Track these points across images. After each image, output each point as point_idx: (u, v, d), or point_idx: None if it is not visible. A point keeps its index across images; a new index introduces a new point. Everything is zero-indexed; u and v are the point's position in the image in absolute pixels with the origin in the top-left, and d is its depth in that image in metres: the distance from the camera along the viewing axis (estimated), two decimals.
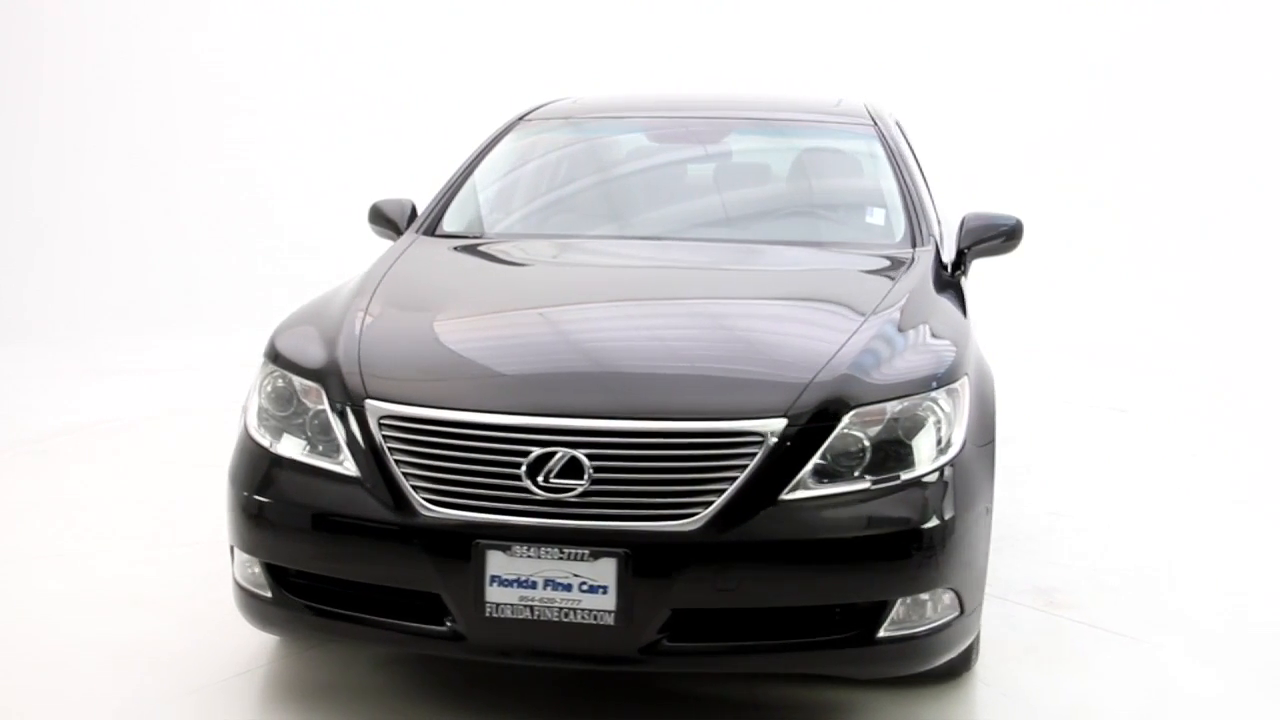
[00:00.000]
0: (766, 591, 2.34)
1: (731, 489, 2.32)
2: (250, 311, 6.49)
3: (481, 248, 3.54)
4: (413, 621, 2.43)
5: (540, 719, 2.75)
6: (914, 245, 3.35)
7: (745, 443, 2.34)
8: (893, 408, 2.45)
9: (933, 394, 2.50)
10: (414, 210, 3.75)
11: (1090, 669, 3.04)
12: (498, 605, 2.32)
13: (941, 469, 2.44)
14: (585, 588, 2.29)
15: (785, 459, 2.34)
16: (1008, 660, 3.05)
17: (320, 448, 2.54)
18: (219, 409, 4.91)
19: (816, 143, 4.06)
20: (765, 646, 2.37)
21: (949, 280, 3.25)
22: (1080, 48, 9.47)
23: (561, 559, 2.30)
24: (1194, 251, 8.58)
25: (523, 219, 3.83)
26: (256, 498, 2.57)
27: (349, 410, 2.51)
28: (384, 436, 2.44)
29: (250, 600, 2.64)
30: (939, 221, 3.78)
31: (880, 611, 2.38)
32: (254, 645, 3.01)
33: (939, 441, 2.48)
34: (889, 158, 3.74)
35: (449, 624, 2.38)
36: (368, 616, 2.48)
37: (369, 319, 2.79)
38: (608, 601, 2.29)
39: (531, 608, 2.31)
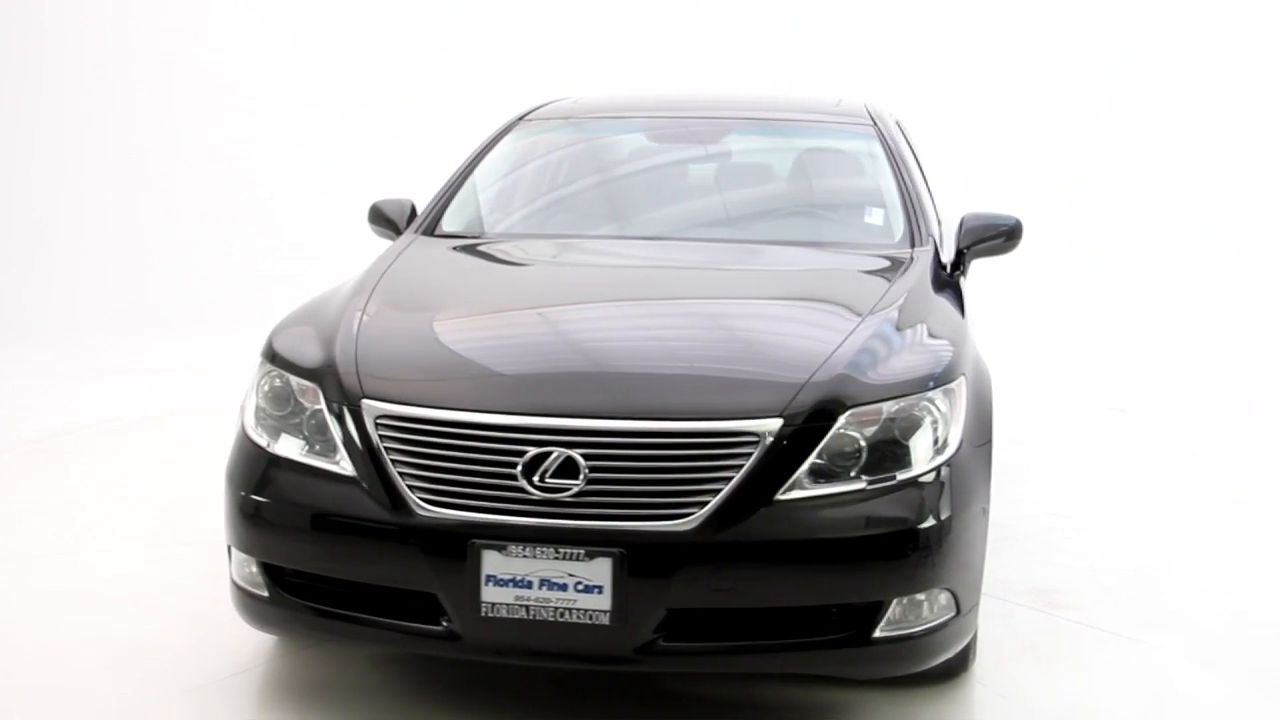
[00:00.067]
0: (762, 591, 2.34)
1: (727, 489, 2.32)
2: (250, 311, 6.48)
3: (480, 248, 3.54)
4: (409, 621, 2.43)
5: (538, 718, 2.75)
6: (913, 245, 3.35)
7: (741, 443, 2.35)
8: (889, 408, 2.45)
9: (929, 394, 2.50)
10: (413, 210, 3.75)
11: (1088, 669, 3.03)
12: (493, 605, 2.32)
13: (938, 469, 2.44)
14: (581, 587, 2.29)
15: (781, 459, 2.34)
16: (1005, 661, 3.05)
17: (317, 447, 2.54)
18: (219, 409, 4.91)
19: (816, 143, 4.06)
20: (761, 646, 2.37)
21: (947, 280, 3.25)
22: (1080, 48, 9.47)
23: (557, 559, 2.30)
24: (1194, 251, 8.57)
25: (522, 219, 3.84)
26: (253, 497, 2.57)
27: (345, 410, 2.51)
28: (380, 436, 2.45)
29: (247, 600, 2.64)
30: (939, 222, 3.78)
31: (876, 612, 2.38)
32: (252, 644, 3.02)
33: (935, 441, 2.48)
34: (888, 158, 3.74)
35: (445, 624, 2.39)
36: (364, 616, 2.48)
37: (366, 319, 2.80)
38: (603, 601, 2.29)
39: (527, 607, 2.32)
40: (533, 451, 2.34)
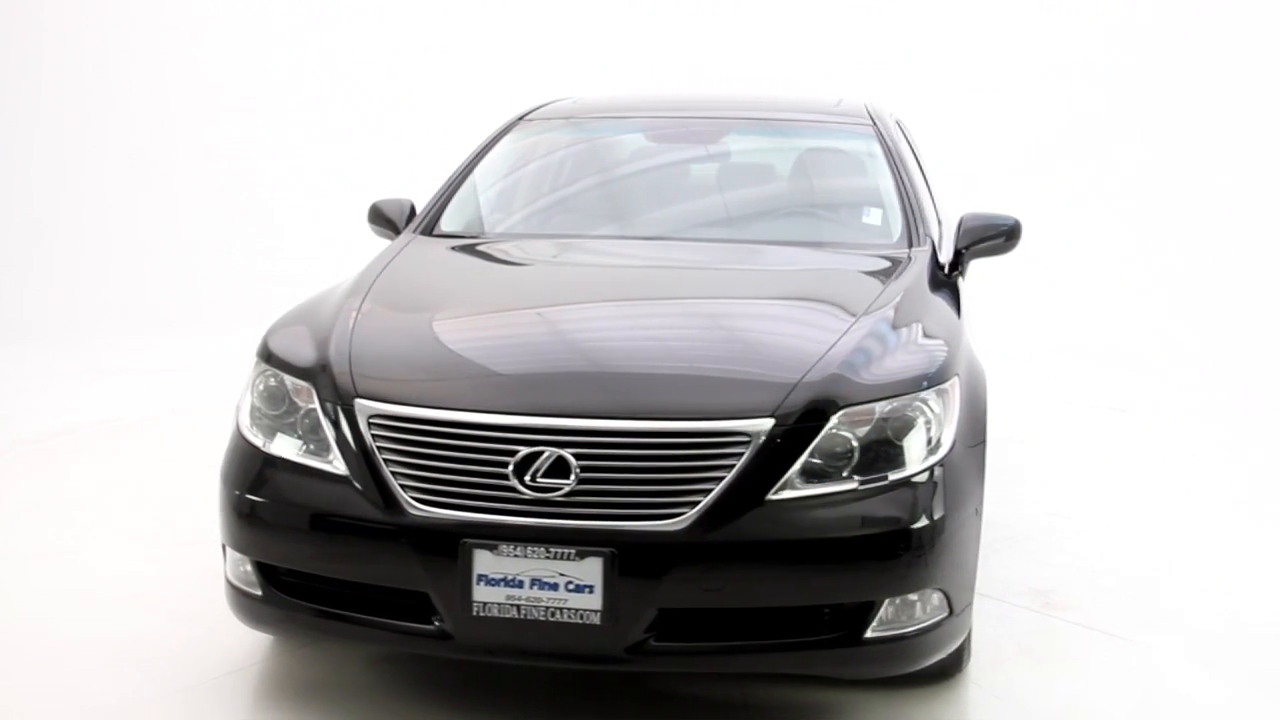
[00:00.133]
0: (753, 591, 2.34)
1: (718, 489, 2.32)
2: (250, 311, 6.48)
3: (477, 247, 3.54)
4: (401, 620, 2.43)
5: (533, 718, 2.75)
6: (910, 245, 3.34)
7: (732, 443, 2.34)
8: (881, 408, 2.44)
9: (922, 394, 2.50)
10: (413, 210, 3.75)
11: (1085, 670, 3.02)
12: (485, 604, 2.32)
13: (931, 469, 2.44)
14: (572, 587, 2.29)
15: (773, 459, 2.34)
16: (1001, 661, 3.04)
17: (311, 447, 2.55)
18: (219, 409, 4.90)
19: (815, 143, 4.05)
20: (752, 646, 2.37)
21: (944, 280, 3.25)
22: (1080, 48, 9.46)
23: (548, 558, 2.30)
24: (1194, 251, 8.56)
25: (520, 219, 3.84)
26: (247, 496, 2.58)
27: (339, 409, 2.51)
28: (373, 436, 2.45)
29: (241, 599, 2.64)
30: (939, 222, 3.77)
31: (868, 612, 2.37)
32: (248, 643, 3.02)
33: (929, 442, 2.47)
34: (887, 158, 3.74)
35: (437, 623, 2.39)
36: (357, 615, 2.48)
37: (361, 318, 2.80)
38: (594, 601, 2.29)
39: (518, 607, 2.32)
40: (524, 451, 2.34)
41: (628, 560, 2.29)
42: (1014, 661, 3.06)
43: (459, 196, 3.77)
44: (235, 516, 2.60)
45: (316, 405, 2.56)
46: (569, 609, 2.30)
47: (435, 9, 10.02)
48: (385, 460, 2.42)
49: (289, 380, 2.65)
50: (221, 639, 3.04)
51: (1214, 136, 9.07)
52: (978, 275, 4.25)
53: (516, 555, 2.31)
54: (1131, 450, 5.15)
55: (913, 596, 2.41)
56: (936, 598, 2.45)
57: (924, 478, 2.43)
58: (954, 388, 2.59)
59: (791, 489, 2.34)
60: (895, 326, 2.73)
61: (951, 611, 2.50)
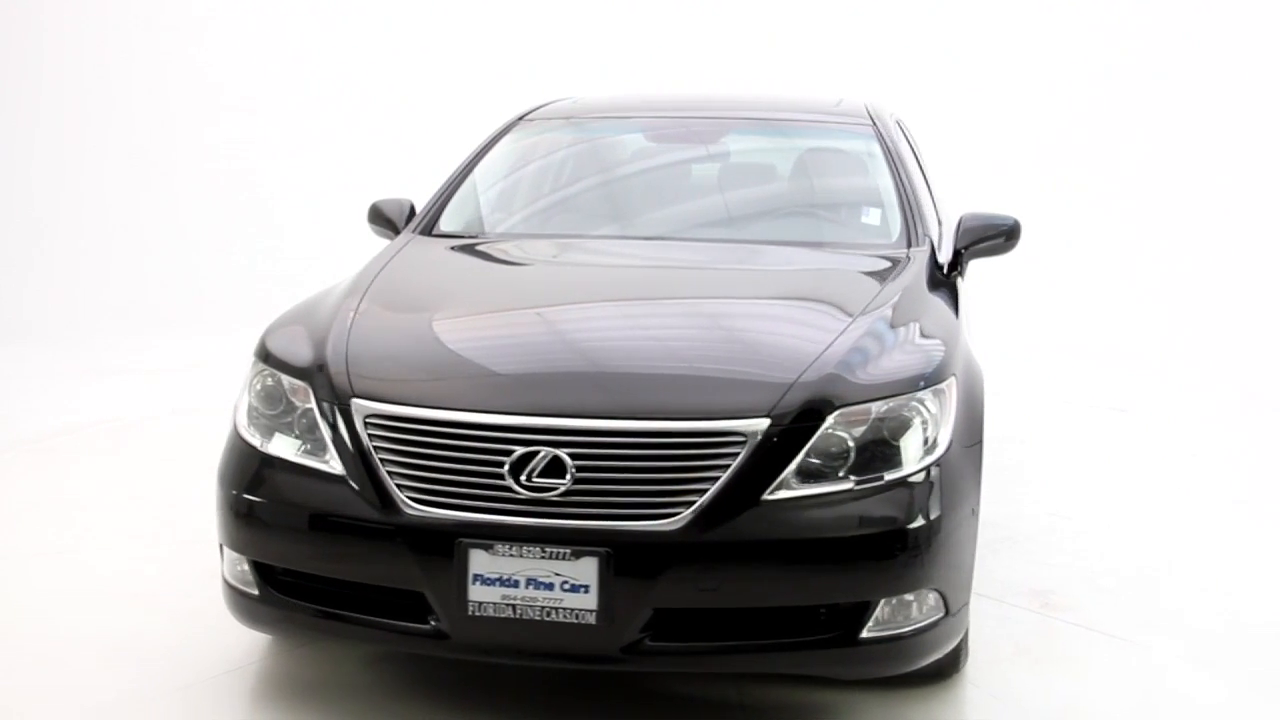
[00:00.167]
0: (748, 591, 2.34)
1: (714, 489, 2.31)
2: (250, 311, 6.49)
3: (476, 247, 3.54)
4: (397, 620, 2.43)
5: (530, 717, 2.75)
6: (909, 245, 3.34)
7: (728, 442, 2.34)
8: (878, 408, 2.44)
9: (919, 394, 2.50)
10: (412, 210, 3.76)
11: (1083, 671, 3.02)
12: (480, 604, 2.32)
13: (927, 469, 2.43)
14: (567, 587, 2.29)
15: (768, 459, 2.34)
16: (999, 662, 3.03)
17: (308, 447, 2.55)
18: (219, 409, 4.89)
19: (814, 143, 4.05)
20: (748, 646, 2.37)
21: (942, 280, 3.24)
22: (1080, 48, 9.45)
23: (543, 558, 2.30)
24: (1194, 251, 8.55)
25: (520, 219, 3.84)
26: (245, 496, 2.58)
27: (335, 409, 2.51)
28: (369, 435, 2.45)
29: (238, 598, 2.65)
30: (939, 222, 3.77)
31: (863, 612, 2.37)
32: (246, 642, 3.02)
33: (925, 442, 2.47)
34: (886, 158, 3.74)
35: (432, 622, 2.39)
36: (353, 615, 2.48)
37: (358, 318, 2.80)
38: (589, 601, 2.29)
39: (514, 606, 2.32)
40: (520, 451, 2.34)
41: (623, 560, 2.29)
42: (1012, 662, 3.05)
43: (458, 196, 3.77)
44: (232, 516, 2.60)
45: (313, 405, 2.56)
46: (564, 609, 2.30)
47: (435, 9, 10.03)
48: (381, 460, 2.43)
49: (286, 380, 2.65)
50: (220, 638, 3.04)
51: (1214, 136, 9.06)
52: (977, 275, 4.25)
53: (512, 555, 2.31)
54: (1131, 450, 5.15)
55: (909, 597, 2.41)
56: (932, 598, 2.45)
57: (920, 478, 2.42)
58: (951, 388, 2.58)
59: (787, 489, 2.34)
60: (893, 326, 2.73)
61: (948, 612, 2.49)
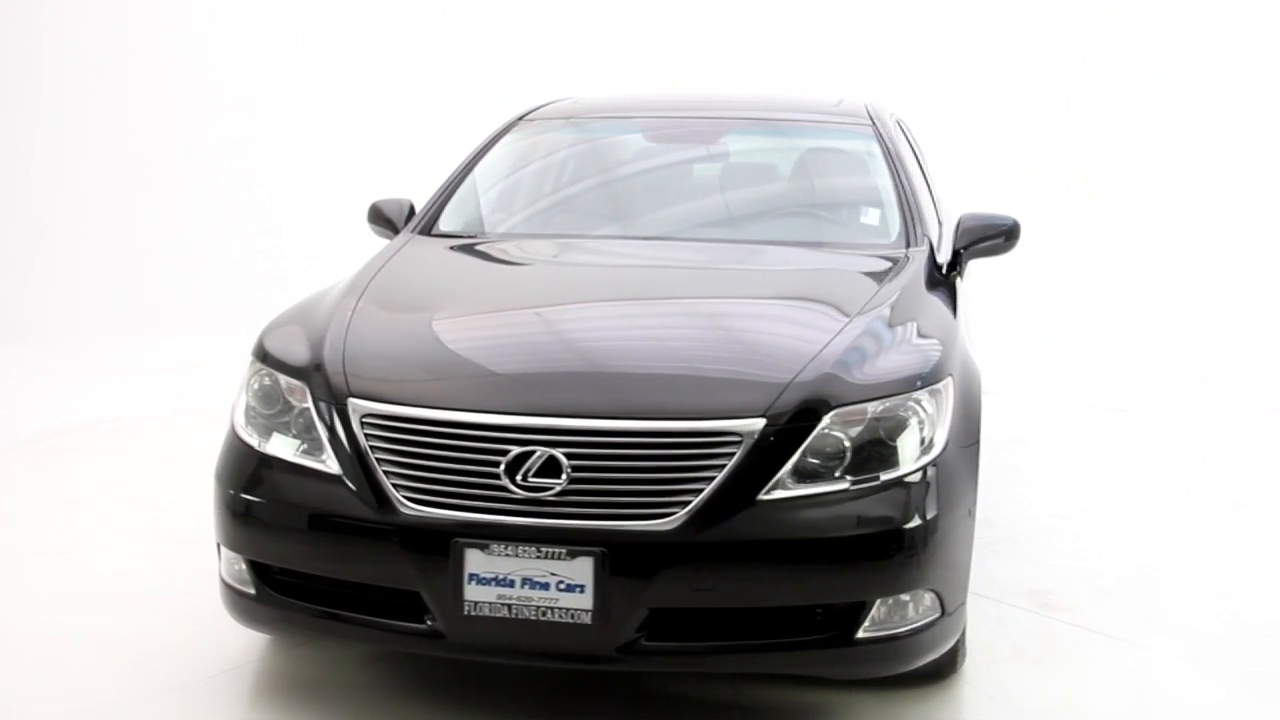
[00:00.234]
0: (744, 591, 2.34)
1: (709, 489, 2.31)
2: (250, 311, 6.49)
3: (474, 247, 3.54)
4: (393, 619, 2.43)
5: (527, 717, 2.75)
6: (908, 245, 3.34)
7: (723, 442, 2.34)
8: (874, 408, 2.44)
9: (915, 394, 2.49)
10: (412, 210, 3.76)
11: (1080, 672, 3.02)
12: (476, 603, 2.32)
13: (924, 469, 2.43)
14: (562, 586, 2.29)
15: (764, 459, 2.34)
16: (996, 662, 3.03)
17: (305, 446, 2.55)
18: (219, 409, 4.90)
19: (813, 143, 4.05)
20: (744, 646, 2.37)
21: (940, 280, 3.24)
22: (1080, 47, 9.45)
23: (539, 558, 2.30)
24: (1194, 251, 8.54)
25: (519, 219, 3.84)
26: (241, 495, 2.58)
27: (332, 409, 2.52)
28: (366, 435, 2.45)
29: (235, 597, 2.65)
30: (940, 222, 3.77)
31: (859, 612, 2.37)
32: (244, 641, 3.03)
33: (921, 442, 2.47)
34: (886, 158, 3.73)
35: (428, 622, 2.39)
36: (350, 614, 2.48)
37: (356, 318, 2.80)
38: (585, 600, 2.29)
39: (509, 606, 2.32)
40: (515, 450, 2.34)
41: (618, 560, 2.29)
42: (1009, 662, 3.05)
43: (458, 196, 3.77)
44: (229, 515, 2.60)
45: (310, 404, 2.56)
46: (560, 608, 2.30)
47: (435, 9, 10.03)
48: (378, 460, 2.43)
49: (283, 379, 2.66)
50: (218, 637, 3.04)
51: (1213, 136, 9.06)
52: (977, 275, 4.24)
53: (508, 555, 2.31)
54: (1131, 450, 5.14)
55: (905, 597, 2.41)
56: (929, 598, 2.45)
57: (916, 478, 2.42)
58: (947, 388, 2.58)
59: (783, 489, 2.34)
60: (890, 326, 2.72)
61: (944, 612, 2.49)
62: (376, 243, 3.74)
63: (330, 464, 2.48)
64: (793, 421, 2.37)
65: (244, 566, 2.60)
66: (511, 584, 2.31)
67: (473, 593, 2.32)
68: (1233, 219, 8.74)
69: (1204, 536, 4.08)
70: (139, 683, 2.86)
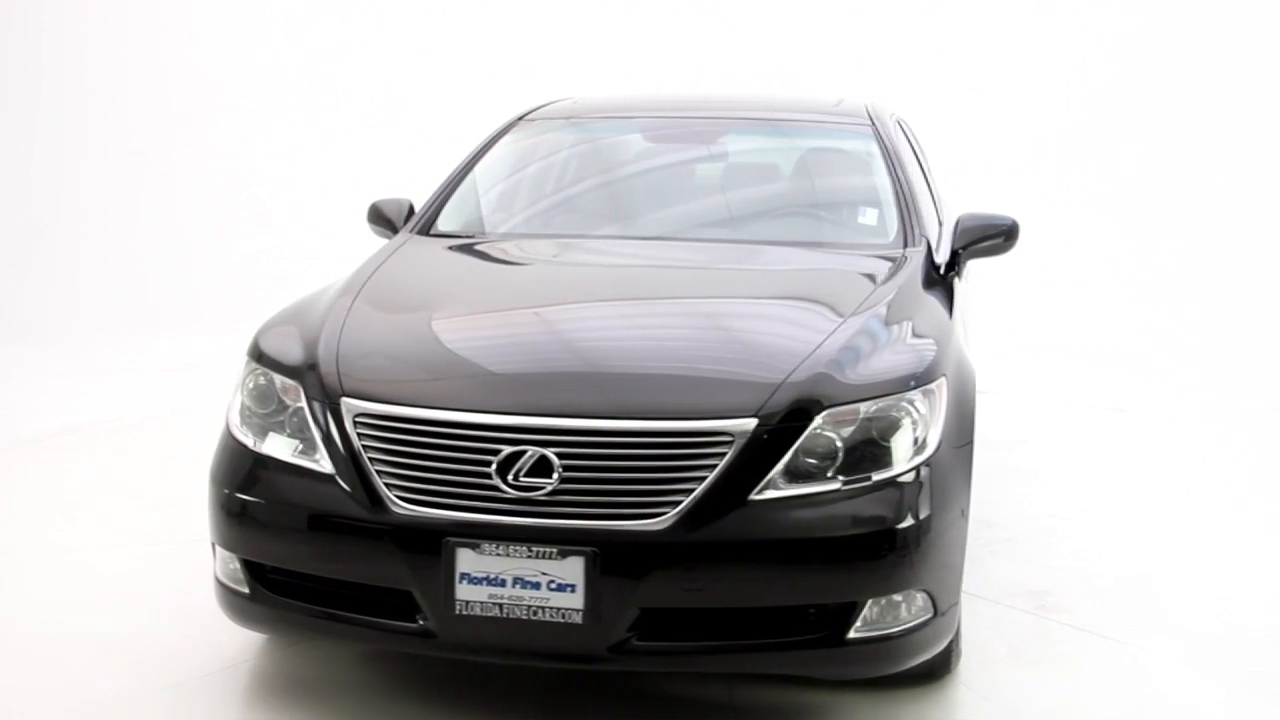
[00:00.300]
0: (735, 591, 2.34)
1: (700, 489, 2.31)
2: (250, 312, 6.50)
3: (472, 247, 3.54)
4: (386, 619, 2.44)
5: (522, 716, 2.75)
6: (906, 245, 3.34)
7: (715, 442, 2.34)
8: (866, 408, 2.44)
9: (908, 394, 2.49)
10: (411, 210, 3.76)
11: (1076, 673, 3.01)
12: (467, 603, 2.33)
13: (916, 469, 2.43)
14: (554, 586, 2.29)
15: (755, 459, 2.34)
16: (992, 663, 3.03)
17: (299, 446, 2.55)
18: (219, 409, 4.90)
19: (813, 143, 4.05)
20: (735, 646, 2.37)
21: (938, 280, 3.23)
22: (1080, 47, 9.43)
23: (530, 557, 2.30)
24: (1194, 251, 8.53)
25: (518, 219, 3.84)
26: (236, 495, 2.59)
27: (326, 408, 2.52)
28: (359, 434, 2.46)
29: (230, 596, 2.65)
30: (940, 222, 3.76)
31: (851, 612, 2.37)
32: (240, 640, 3.03)
33: (914, 442, 2.46)
34: (884, 158, 3.73)
35: (420, 621, 2.39)
36: (343, 613, 2.49)
37: (350, 317, 2.81)
38: (576, 600, 2.29)
39: (500, 605, 2.32)
40: (507, 450, 2.34)
41: (609, 559, 2.29)
42: (1005, 663, 3.04)
43: (457, 196, 3.78)
44: (224, 515, 2.61)
45: (304, 404, 2.57)
46: (551, 608, 2.30)
47: (435, 9, 10.04)
48: (371, 459, 2.43)
49: (278, 379, 2.66)
50: (215, 636, 3.05)
51: (1213, 136, 9.04)
52: (977, 276, 4.24)
53: (499, 554, 2.31)
54: (1131, 450, 5.13)
55: (897, 597, 2.40)
56: (921, 598, 2.44)
57: (909, 478, 2.42)
58: (941, 388, 2.58)
59: (774, 489, 2.34)
60: (885, 326, 2.72)
61: (937, 612, 2.49)
62: (376, 243, 3.75)
63: (324, 464, 2.49)
64: (785, 421, 2.37)
65: (238, 566, 2.60)
66: (503, 583, 2.31)
67: (464, 592, 2.32)
68: (1233, 219, 8.72)
69: (1204, 537, 4.07)
70: (137, 681, 2.87)
